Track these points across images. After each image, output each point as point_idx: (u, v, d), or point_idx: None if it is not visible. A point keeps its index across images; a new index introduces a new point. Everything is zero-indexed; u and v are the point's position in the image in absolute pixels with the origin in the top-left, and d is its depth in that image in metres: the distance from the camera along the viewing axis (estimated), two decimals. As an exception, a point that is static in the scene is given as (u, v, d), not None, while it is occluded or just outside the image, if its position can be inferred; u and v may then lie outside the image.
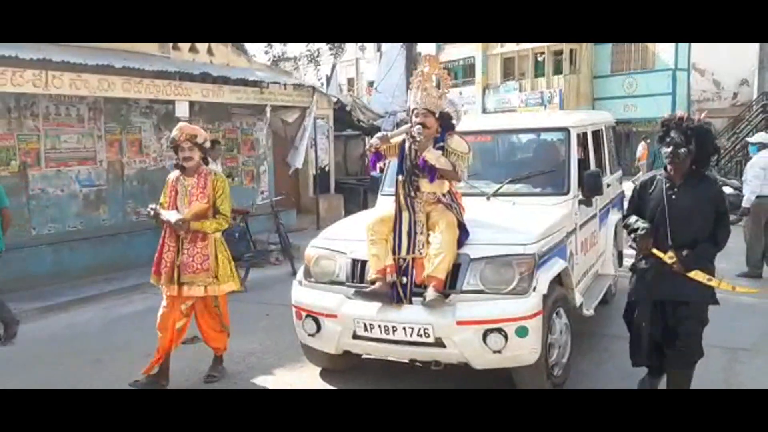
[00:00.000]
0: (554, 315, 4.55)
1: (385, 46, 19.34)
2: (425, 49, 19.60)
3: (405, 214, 4.58)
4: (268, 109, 11.24)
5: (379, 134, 4.73)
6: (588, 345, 5.53)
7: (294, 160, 12.13)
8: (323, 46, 24.01)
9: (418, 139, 4.47)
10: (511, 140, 6.37)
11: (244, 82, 10.70)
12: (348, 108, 15.04)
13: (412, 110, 4.65)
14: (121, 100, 9.50)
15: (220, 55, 11.56)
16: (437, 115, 4.57)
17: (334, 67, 19.67)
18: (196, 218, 4.83)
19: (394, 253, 4.52)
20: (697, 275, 3.98)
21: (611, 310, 6.36)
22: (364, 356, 5.03)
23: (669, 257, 3.98)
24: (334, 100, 14.79)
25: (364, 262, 4.59)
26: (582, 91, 26.76)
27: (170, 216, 4.81)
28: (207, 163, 5.05)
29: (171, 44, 10.54)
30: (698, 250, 4.01)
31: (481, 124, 6.81)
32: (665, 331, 4.15)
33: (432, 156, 4.49)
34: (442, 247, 4.33)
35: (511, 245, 4.35)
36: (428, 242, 4.44)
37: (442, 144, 4.57)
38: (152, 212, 4.89)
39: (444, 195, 4.63)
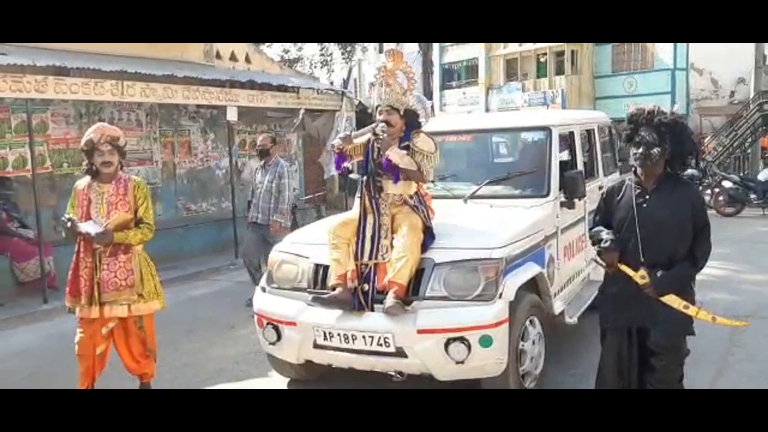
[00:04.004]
0: (526, 323, 4.31)
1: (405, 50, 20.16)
2: (435, 51, 20.47)
3: (369, 217, 4.37)
4: (301, 112, 12.17)
5: (342, 134, 4.55)
6: (570, 355, 5.28)
7: (331, 165, 13.00)
8: (336, 51, 24.94)
9: (381, 137, 4.30)
10: (492, 140, 6.09)
11: (282, 88, 11.62)
12: (369, 110, 15.95)
13: (376, 107, 4.46)
14: (173, 106, 10.43)
15: (256, 63, 12.54)
16: (402, 113, 4.37)
17: (350, 70, 20.57)
18: (118, 229, 4.27)
19: (356, 257, 4.28)
20: (672, 300, 3.46)
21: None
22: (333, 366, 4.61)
23: (640, 277, 3.46)
24: (356, 102, 15.71)
25: (327, 267, 4.33)
26: (584, 91, 27.48)
27: (89, 228, 4.22)
28: (122, 168, 4.51)
29: (215, 53, 11.51)
30: (674, 272, 3.48)
31: (461, 124, 6.51)
32: (642, 364, 3.64)
33: (395, 155, 4.26)
34: (404, 251, 4.09)
35: (477, 249, 4.11)
36: (392, 246, 4.22)
37: (407, 143, 4.36)
38: (68, 223, 4.26)
39: (411, 197, 4.41)
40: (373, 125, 4.40)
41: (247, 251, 7.46)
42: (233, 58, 12.06)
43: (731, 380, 4.85)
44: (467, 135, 5.89)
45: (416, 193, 4.44)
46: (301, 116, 12.14)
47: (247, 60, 12.32)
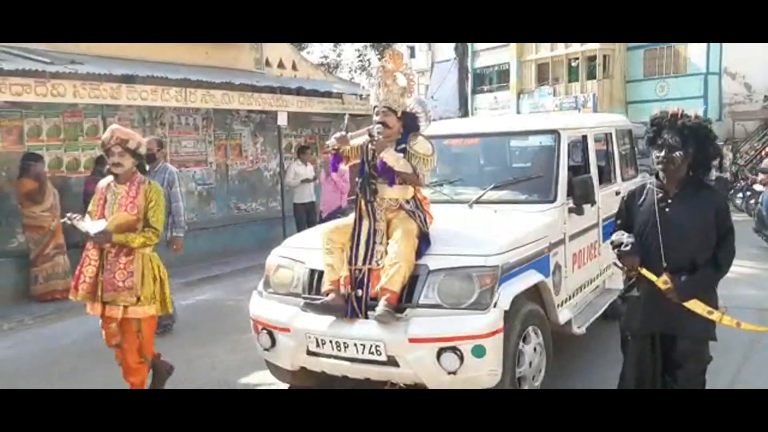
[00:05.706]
0: (525, 333, 4.17)
1: (438, 57, 20.74)
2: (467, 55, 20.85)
3: (365, 222, 4.27)
4: (346, 117, 12.67)
5: (337, 134, 4.36)
6: (578, 367, 5.14)
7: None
8: (373, 57, 25.52)
9: (376, 138, 4.16)
10: (500, 144, 5.86)
11: (327, 94, 12.23)
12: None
13: (373, 108, 4.33)
14: (227, 111, 11.10)
15: (302, 70, 13.20)
16: (399, 115, 4.25)
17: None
18: (119, 230, 4.22)
19: (350, 263, 4.19)
20: (695, 306, 3.39)
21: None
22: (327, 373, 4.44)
23: (663, 282, 3.38)
24: (395, 107, 16.27)
25: (321, 273, 4.24)
26: (615, 95, 27.49)
27: (89, 226, 4.22)
28: (143, 171, 4.48)
29: (264, 61, 12.19)
30: (697, 276, 3.41)
31: (468, 127, 6.39)
32: (665, 372, 3.59)
33: (390, 157, 4.14)
34: (397, 258, 3.98)
35: (473, 256, 3.98)
36: (386, 252, 4.10)
37: (404, 146, 4.24)
38: (68, 221, 4.28)
39: (407, 201, 4.29)
40: (369, 127, 4.30)
41: None
42: (281, 65, 12.73)
43: (756, 365, 5.17)
44: (474, 138, 5.79)
45: (413, 197, 4.33)
46: (346, 121, 12.67)
47: (294, 67, 12.98)
